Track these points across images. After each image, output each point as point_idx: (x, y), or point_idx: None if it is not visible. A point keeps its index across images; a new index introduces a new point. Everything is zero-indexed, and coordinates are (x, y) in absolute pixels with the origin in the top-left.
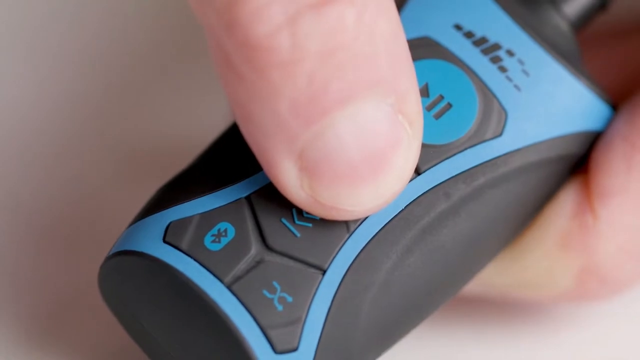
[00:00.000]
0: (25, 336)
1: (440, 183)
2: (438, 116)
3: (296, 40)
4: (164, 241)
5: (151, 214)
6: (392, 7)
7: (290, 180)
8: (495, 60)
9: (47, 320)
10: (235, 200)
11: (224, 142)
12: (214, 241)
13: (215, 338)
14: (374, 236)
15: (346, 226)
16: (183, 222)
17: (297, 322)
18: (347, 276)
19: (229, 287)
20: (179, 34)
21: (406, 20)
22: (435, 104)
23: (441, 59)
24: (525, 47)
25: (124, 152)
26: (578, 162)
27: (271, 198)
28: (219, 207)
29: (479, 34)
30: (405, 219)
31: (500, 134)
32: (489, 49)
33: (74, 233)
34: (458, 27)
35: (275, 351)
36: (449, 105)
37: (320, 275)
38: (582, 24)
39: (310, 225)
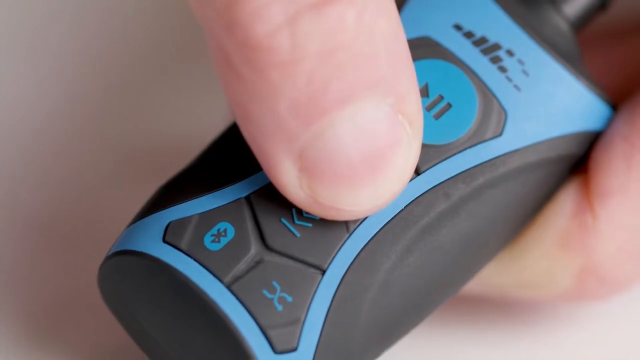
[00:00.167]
0: (24, 336)
1: (440, 183)
2: (438, 116)
3: (296, 40)
4: (164, 241)
5: (151, 214)
6: (393, 7)
7: (289, 180)
8: (495, 60)
9: (45, 319)
10: (235, 200)
11: (223, 142)
12: (213, 241)
13: (214, 338)
14: (373, 236)
15: (346, 226)
16: (183, 222)
17: (296, 322)
18: (346, 276)
19: (228, 287)
20: (179, 34)
21: (406, 20)
22: (435, 104)
23: (441, 59)
24: (525, 47)
25: (124, 152)
26: (578, 162)
27: (271, 198)
28: (219, 207)
29: (478, 34)
30: (405, 219)
31: (500, 134)
32: (489, 49)
33: (73, 232)
34: (458, 27)
35: (275, 351)
36: (449, 105)
37: (320, 275)
38: (582, 24)
39: (309, 225)
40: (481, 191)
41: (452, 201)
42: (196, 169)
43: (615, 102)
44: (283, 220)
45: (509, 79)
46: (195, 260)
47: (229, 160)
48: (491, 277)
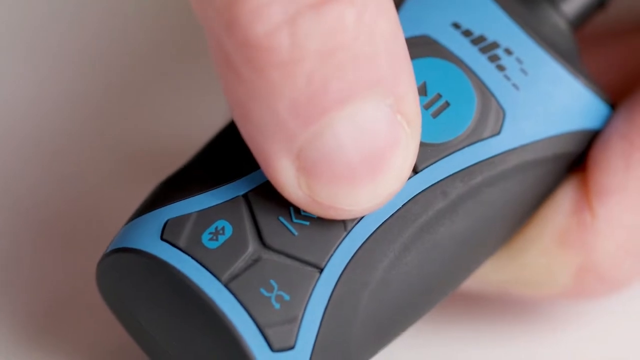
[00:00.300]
0: (23, 335)
1: (438, 181)
2: (436, 115)
3: (296, 40)
4: (162, 239)
5: (149, 211)
6: (392, 7)
7: (288, 179)
8: (494, 58)
9: (45, 318)
10: (233, 198)
11: (221, 140)
12: (211, 239)
13: (212, 336)
14: (371, 234)
15: (343, 225)
16: (181, 220)
17: (294, 320)
18: (344, 274)
19: (226, 285)
20: (179, 34)
21: (404, 18)
22: (433, 103)
23: (439, 57)
24: (524, 46)
25: (124, 152)
26: (576, 161)
27: (269, 196)
28: (217, 205)
29: (477, 32)
30: (403, 217)
31: (498, 133)
32: (487, 47)
33: (73, 232)
34: (456, 26)
35: (273, 349)
36: (447, 104)
37: (318, 274)
38: (580, 22)
39: (307, 223)
40: (479, 190)
41: (450, 200)
42: (194, 167)
43: (614, 100)
44: (281, 218)
45: (507, 78)
46: (193, 258)
47: (227, 158)
48: (489, 275)
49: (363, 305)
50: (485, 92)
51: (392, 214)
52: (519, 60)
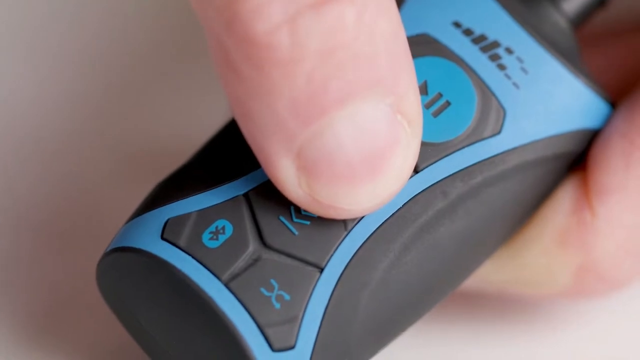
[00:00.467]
0: (23, 335)
1: (438, 181)
2: (436, 114)
3: (296, 39)
4: (162, 238)
5: (149, 211)
6: (393, 6)
7: (288, 178)
8: (494, 58)
9: (45, 318)
10: (233, 197)
11: (221, 139)
12: (211, 238)
13: (212, 336)
14: (371, 234)
15: (344, 224)
16: (181, 219)
17: (294, 320)
18: (344, 274)
19: (226, 285)
20: (179, 34)
21: (405, 17)
22: (433, 102)
23: (440, 56)
24: (524, 45)
25: (123, 152)
26: (576, 160)
27: (269, 196)
28: (217, 204)
29: (477, 31)
30: (403, 217)
31: (499, 132)
32: (488, 46)
33: (73, 232)
34: (457, 25)
35: (273, 349)
36: (448, 103)
37: (318, 273)
38: (581, 21)
39: (308, 223)
40: (479, 189)
41: (450, 199)
42: (194, 166)
43: (614, 99)
44: (281, 218)
45: (508, 77)
46: (193, 257)
47: (228, 157)
48: (489, 275)
49: (363, 305)
50: (485, 92)
51: (392, 214)
52: (519, 59)
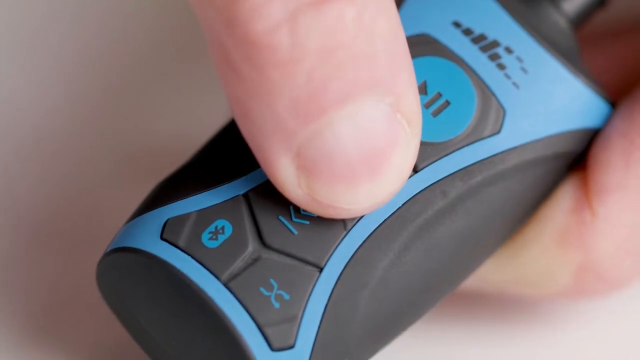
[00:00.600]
0: (23, 335)
1: (438, 181)
2: (436, 114)
3: (296, 38)
4: (162, 238)
5: (149, 211)
6: (392, 6)
7: (287, 178)
8: (494, 57)
9: (44, 318)
10: (233, 197)
11: (221, 139)
12: (211, 238)
13: (212, 335)
14: (371, 234)
15: (343, 224)
16: (180, 219)
17: (293, 319)
18: (344, 274)
19: (225, 285)
20: (179, 34)
21: (405, 17)
22: (433, 102)
23: (439, 56)
24: (524, 45)
25: (123, 152)
26: (576, 160)
27: (269, 195)
28: (217, 204)
29: (477, 31)
30: (402, 216)
31: (498, 132)
32: (488, 46)
33: (73, 232)
34: (457, 25)
35: (272, 348)
36: (447, 103)
37: (317, 273)
38: (581, 21)
39: (307, 222)
40: (479, 189)
41: (450, 199)
42: (194, 167)
43: (614, 99)
44: (281, 217)
45: (508, 77)
46: (192, 257)
47: (227, 157)
48: (489, 275)
49: (363, 305)
50: (485, 91)
51: (392, 213)
52: (519, 59)
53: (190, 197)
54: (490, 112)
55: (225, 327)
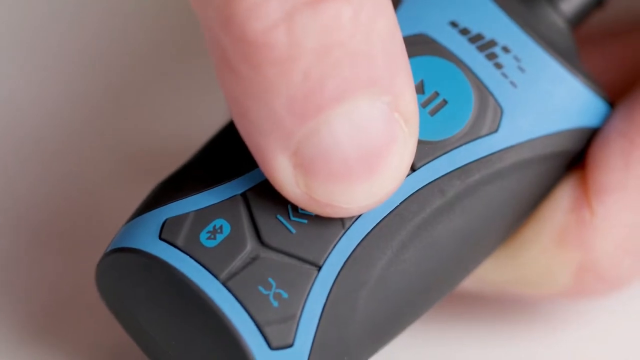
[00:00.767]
0: (23, 335)
1: (436, 179)
2: (433, 112)
3: (292, 37)
4: (160, 238)
5: (148, 211)
6: (389, 5)
7: (285, 176)
8: (491, 56)
9: (44, 318)
10: (231, 197)
11: (220, 139)
12: (209, 238)
13: (211, 335)
14: (369, 232)
15: (341, 222)
16: (179, 219)
17: (292, 318)
18: (342, 272)
19: (224, 284)
20: (179, 34)
21: (402, 17)
22: (430, 101)
23: (437, 55)
24: (522, 44)
25: (123, 152)
26: (574, 159)
27: (267, 195)
28: (215, 204)
29: (474, 30)
30: (400, 215)
31: (496, 130)
32: (485, 45)
33: (73, 232)
34: (454, 24)
35: (271, 347)
36: (445, 102)
37: (316, 272)
38: (579, 21)
39: (305, 221)
40: (477, 188)
41: (448, 198)
42: (193, 167)
43: (613, 99)
44: (279, 216)
45: (505, 76)
46: (191, 257)
47: (226, 157)
48: (488, 275)
49: (361, 303)
50: (482, 90)
51: (390, 212)
52: (516, 58)
53: (189, 197)
54: (488, 111)
55: (224, 326)
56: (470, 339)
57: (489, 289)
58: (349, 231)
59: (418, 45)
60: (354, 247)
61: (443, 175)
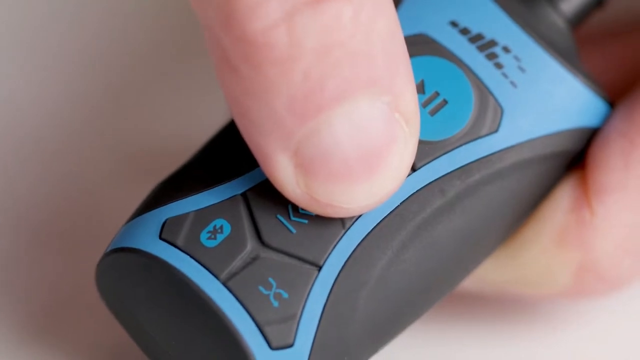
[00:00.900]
0: (23, 335)
1: (436, 179)
2: (434, 112)
3: (293, 37)
4: (160, 238)
5: (148, 211)
6: (390, 5)
7: (285, 176)
8: (491, 56)
9: (44, 318)
10: (231, 197)
11: (220, 139)
12: (209, 238)
13: (211, 335)
14: (369, 232)
15: (341, 222)
16: (179, 219)
17: (292, 318)
18: (342, 272)
19: (224, 284)
20: (179, 34)
21: (402, 17)
22: (431, 101)
23: (437, 55)
24: (522, 44)
25: (123, 152)
26: (574, 159)
27: (267, 195)
28: (215, 204)
29: (475, 30)
30: (401, 215)
31: (496, 130)
32: (485, 45)
33: (73, 232)
34: (454, 24)
35: (271, 347)
36: (445, 102)
37: (316, 272)
38: (579, 21)
39: (305, 221)
40: (477, 188)
41: (448, 197)
42: (193, 167)
43: (613, 99)
44: (279, 216)
45: (505, 76)
46: (191, 257)
47: (226, 157)
48: (489, 275)
49: (361, 303)
50: (483, 90)
51: (390, 212)
52: (516, 58)
53: (189, 197)
54: (488, 110)
55: (225, 326)
56: (470, 339)
57: (489, 289)
58: (349, 231)
59: (418, 45)
60: (354, 247)
61: (443, 175)
